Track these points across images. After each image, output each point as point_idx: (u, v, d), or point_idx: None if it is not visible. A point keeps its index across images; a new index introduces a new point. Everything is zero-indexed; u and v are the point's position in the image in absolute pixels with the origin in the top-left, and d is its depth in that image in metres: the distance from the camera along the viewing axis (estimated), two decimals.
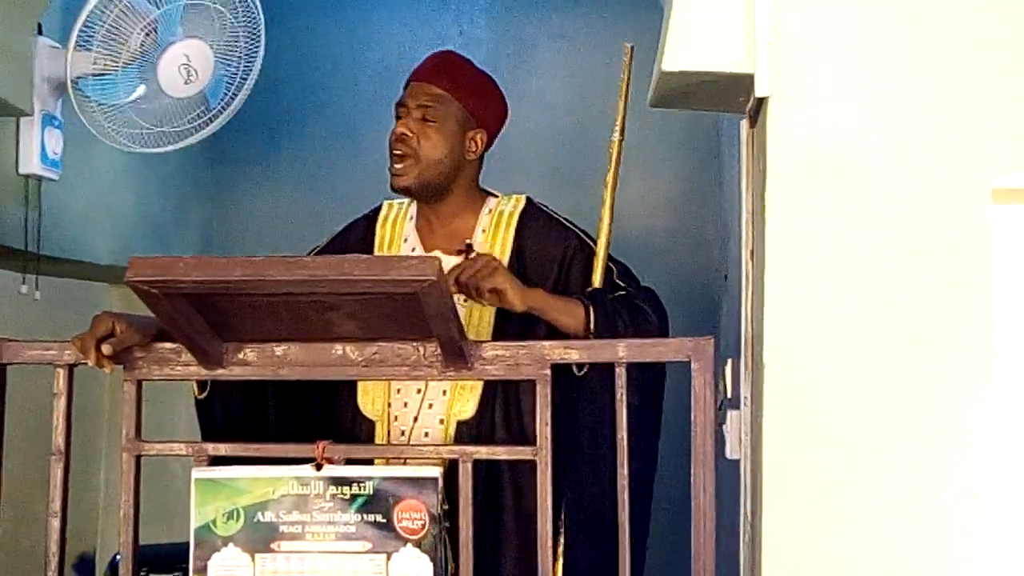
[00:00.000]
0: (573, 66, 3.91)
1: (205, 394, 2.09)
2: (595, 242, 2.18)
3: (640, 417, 2.00)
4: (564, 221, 2.25)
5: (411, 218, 2.28)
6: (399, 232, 2.26)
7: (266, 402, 2.14)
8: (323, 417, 2.18)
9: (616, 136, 2.21)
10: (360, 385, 2.15)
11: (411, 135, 2.16)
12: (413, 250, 2.23)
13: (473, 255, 2.08)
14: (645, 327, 2.07)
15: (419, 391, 2.14)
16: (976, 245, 1.81)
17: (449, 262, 2.08)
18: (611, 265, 2.18)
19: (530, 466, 1.89)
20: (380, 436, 2.13)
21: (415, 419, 2.13)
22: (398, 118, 2.20)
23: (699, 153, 3.76)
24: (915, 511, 1.79)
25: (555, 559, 2.00)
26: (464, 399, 2.12)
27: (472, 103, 2.21)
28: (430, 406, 2.13)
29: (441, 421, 2.13)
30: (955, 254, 1.81)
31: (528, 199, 2.28)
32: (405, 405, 2.15)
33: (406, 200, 2.29)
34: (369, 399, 2.15)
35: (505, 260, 2.16)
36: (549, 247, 2.18)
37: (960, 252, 1.81)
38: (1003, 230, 1.83)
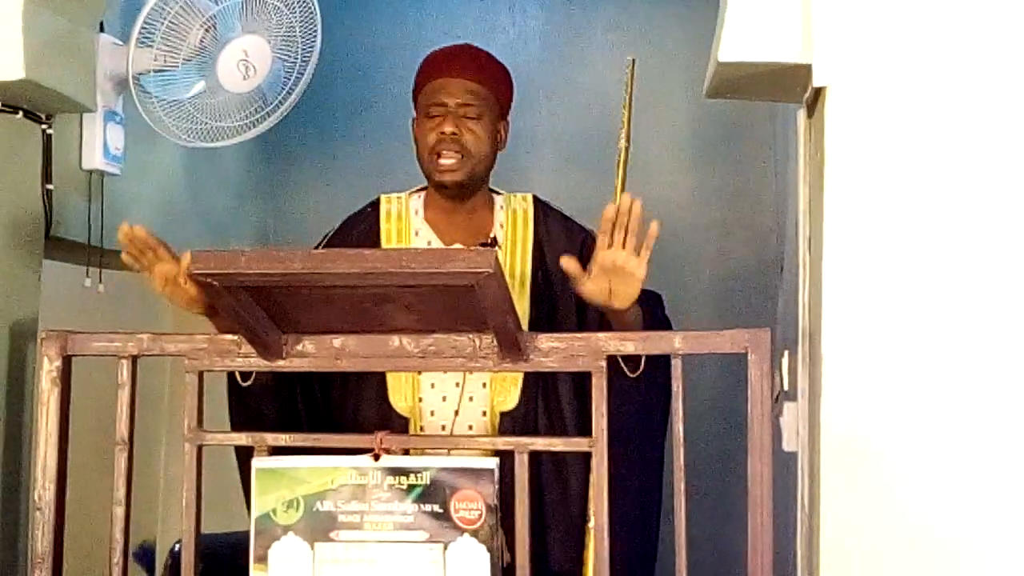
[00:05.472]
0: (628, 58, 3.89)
1: (250, 381, 2.09)
2: None
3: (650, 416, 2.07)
4: (573, 219, 2.29)
5: (417, 212, 2.27)
6: (407, 226, 2.26)
7: (295, 402, 2.16)
8: (351, 415, 2.17)
9: (622, 143, 2.17)
10: (389, 381, 2.15)
11: (459, 132, 2.17)
12: (428, 243, 2.23)
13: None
14: None
15: (457, 384, 2.14)
16: None
17: None
18: None
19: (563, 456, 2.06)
20: (414, 431, 2.13)
21: (456, 413, 2.14)
22: (431, 116, 2.19)
23: (753, 143, 3.73)
24: (977, 506, 1.77)
25: (584, 547, 2.02)
26: (506, 389, 2.13)
27: (502, 95, 2.25)
28: (471, 399, 2.14)
29: (484, 413, 2.14)
30: (1019, 247, 1.79)
31: (535, 197, 2.30)
32: (444, 399, 2.15)
33: (404, 193, 2.30)
34: (401, 396, 2.15)
35: (528, 256, 2.20)
36: (566, 245, 2.21)
37: None
38: None
